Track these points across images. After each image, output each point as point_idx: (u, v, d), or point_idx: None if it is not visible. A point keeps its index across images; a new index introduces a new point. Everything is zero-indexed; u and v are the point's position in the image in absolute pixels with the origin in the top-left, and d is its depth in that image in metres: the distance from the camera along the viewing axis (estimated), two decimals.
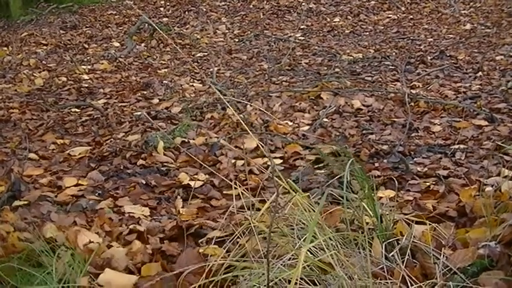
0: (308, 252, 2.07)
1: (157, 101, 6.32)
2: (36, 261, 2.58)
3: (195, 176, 4.03)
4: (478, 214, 2.78)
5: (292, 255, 2.12)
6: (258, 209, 2.30)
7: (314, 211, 2.32)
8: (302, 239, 2.11)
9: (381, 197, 3.24)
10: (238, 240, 2.32)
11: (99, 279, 2.47)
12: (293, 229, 2.29)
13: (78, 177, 4.09)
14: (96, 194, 3.79)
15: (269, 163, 4.21)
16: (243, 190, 2.41)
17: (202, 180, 3.96)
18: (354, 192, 2.79)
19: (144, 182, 3.97)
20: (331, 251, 2.04)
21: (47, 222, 3.11)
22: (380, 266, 2.22)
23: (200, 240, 2.83)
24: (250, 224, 2.23)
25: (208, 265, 2.22)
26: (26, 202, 3.53)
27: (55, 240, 2.77)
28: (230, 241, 2.35)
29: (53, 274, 2.42)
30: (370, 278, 2.06)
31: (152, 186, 3.94)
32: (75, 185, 3.92)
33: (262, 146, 3.95)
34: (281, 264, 2.11)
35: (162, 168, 4.25)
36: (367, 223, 2.46)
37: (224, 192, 3.79)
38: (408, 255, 2.27)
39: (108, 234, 3.00)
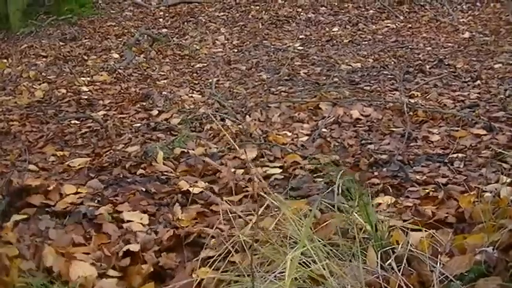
0: (300, 265, 2.08)
1: (157, 112, 6.33)
2: None
3: (195, 184, 4.03)
4: (476, 220, 2.79)
5: (284, 268, 2.13)
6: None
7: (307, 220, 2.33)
8: (293, 250, 2.11)
9: (380, 203, 3.25)
10: (230, 255, 2.33)
11: None
12: (285, 243, 2.30)
13: (77, 185, 4.08)
14: (96, 201, 3.79)
15: (269, 172, 4.23)
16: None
17: (202, 188, 3.96)
18: (352, 200, 2.79)
19: (144, 190, 3.97)
20: (322, 262, 2.05)
21: (46, 243, 3.10)
22: (375, 275, 2.23)
23: (194, 259, 2.82)
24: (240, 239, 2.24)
25: (198, 280, 2.23)
26: (25, 216, 3.52)
27: (53, 271, 2.79)
28: (221, 260, 2.36)
29: None
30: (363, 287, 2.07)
31: (152, 193, 3.93)
32: (74, 193, 3.91)
33: (255, 159, 3.95)
34: (273, 278, 2.11)
35: (161, 177, 4.25)
36: (361, 230, 2.46)
37: (224, 198, 3.79)
38: (404, 263, 2.27)
39: (105, 258, 3.00)
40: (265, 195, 2.37)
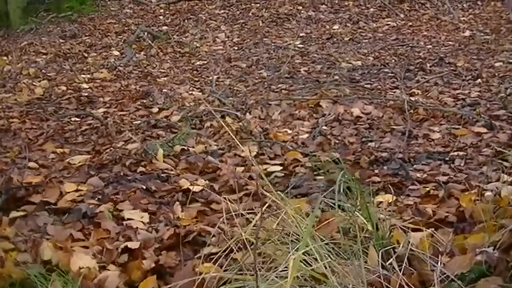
0: (302, 263, 2.07)
1: (157, 109, 6.33)
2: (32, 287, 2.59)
3: (195, 182, 4.03)
4: (477, 219, 2.78)
5: (286, 267, 2.12)
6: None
7: (309, 219, 2.32)
8: (294, 249, 2.10)
9: (381, 202, 3.25)
10: (232, 253, 2.33)
11: None
12: (287, 241, 2.29)
13: (77, 183, 4.08)
14: (96, 199, 3.78)
15: (269, 169, 4.22)
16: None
17: (202, 186, 3.95)
18: (353, 199, 2.79)
19: (144, 188, 3.96)
20: (324, 261, 2.04)
21: (44, 238, 3.10)
22: (376, 274, 2.22)
23: (196, 256, 2.82)
24: (242, 237, 2.23)
25: (201, 278, 2.22)
26: (23, 213, 3.52)
27: (51, 263, 2.78)
28: (223, 256, 2.35)
29: None
30: (365, 287, 2.06)
31: (152, 191, 3.93)
32: (74, 191, 3.91)
33: (255, 156, 3.94)
34: (275, 276, 2.11)
35: (162, 175, 4.25)
36: (362, 230, 2.46)
37: (224, 196, 3.78)
38: (405, 263, 2.27)
39: (105, 253, 3.00)
40: (266, 193, 2.36)
